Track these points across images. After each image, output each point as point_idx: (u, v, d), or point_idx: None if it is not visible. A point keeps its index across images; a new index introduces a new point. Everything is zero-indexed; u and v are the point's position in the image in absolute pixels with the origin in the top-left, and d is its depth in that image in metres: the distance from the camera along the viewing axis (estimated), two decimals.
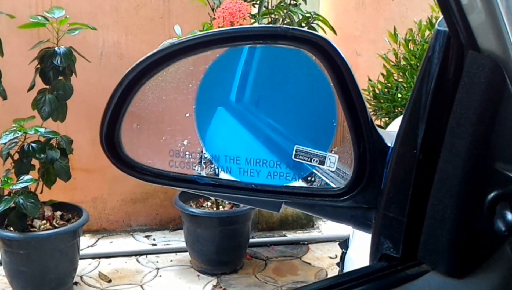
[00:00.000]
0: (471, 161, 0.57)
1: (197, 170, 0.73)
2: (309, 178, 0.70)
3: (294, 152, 0.69)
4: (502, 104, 0.55)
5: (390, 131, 0.71)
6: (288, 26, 0.67)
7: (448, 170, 0.58)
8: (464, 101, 0.56)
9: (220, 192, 0.75)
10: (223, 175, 0.73)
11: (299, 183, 0.71)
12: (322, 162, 0.68)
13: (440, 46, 0.58)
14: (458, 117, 0.57)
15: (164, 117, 0.74)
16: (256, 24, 2.80)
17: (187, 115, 0.72)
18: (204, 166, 0.73)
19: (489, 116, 0.56)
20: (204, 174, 0.73)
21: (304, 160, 0.69)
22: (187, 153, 0.73)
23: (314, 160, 0.69)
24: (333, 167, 0.69)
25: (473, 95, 0.55)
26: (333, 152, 0.68)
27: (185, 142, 0.73)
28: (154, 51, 0.69)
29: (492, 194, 0.56)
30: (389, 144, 0.67)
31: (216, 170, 0.73)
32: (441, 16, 0.58)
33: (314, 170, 0.70)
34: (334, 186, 0.70)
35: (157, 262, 3.28)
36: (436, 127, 0.59)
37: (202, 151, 0.73)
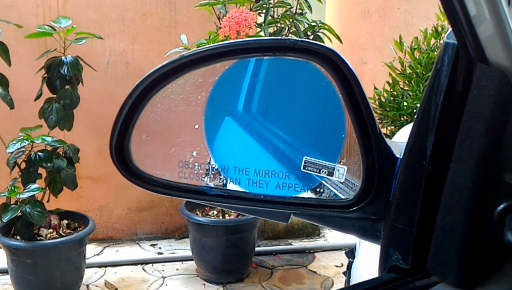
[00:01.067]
0: (480, 173, 0.57)
1: (206, 181, 0.73)
2: (317, 189, 0.70)
3: (303, 163, 0.69)
4: (511, 116, 0.55)
5: (399, 142, 0.71)
6: (297, 38, 0.67)
7: (457, 182, 0.58)
8: (473, 113, 0.56)
9: (228, 203, 0.75)
10: (232, 186, 0.73)
11: (308, 194, 0.71)
12: (331, 173, 0.68)
13: (449, 59, 0.59)
14: (467, 129, 0.57)
15: (173, 128, 0.75)
16: (262, 33, 2.81)
17: (196, 126, 0.72)
18: (213, 177, 0.73)
19: (498, 128, 0.56)
20: (213, 185, 0.74)
21: (313, 171, 0.69)
22: (196, 164, 0.73)
23: (323, 171, 0.69)
24: (342, 178, 0.69)
25: (482, 108, 0.56)
26: (341, 163, 0.68)
27: (194, 154, 0.73)
28: (164, 63, 0.69)
29: (501, 206, 0.57)
30: (397, 155, 0.67)
31: (225, 181, 0.73)
32: (450, 29, 0.58)
33: (323, 181, 0.70)
34: (342, 197, 0.70)
35: (163, 270, 3.28)
36: (445, 139, 0.59)
37: (210, 162, 0.73)
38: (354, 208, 0.69)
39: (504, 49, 0.54)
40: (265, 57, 0.70)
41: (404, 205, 0.64)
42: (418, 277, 0.62)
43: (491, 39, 0.54)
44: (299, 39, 0.67)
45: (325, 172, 0.69)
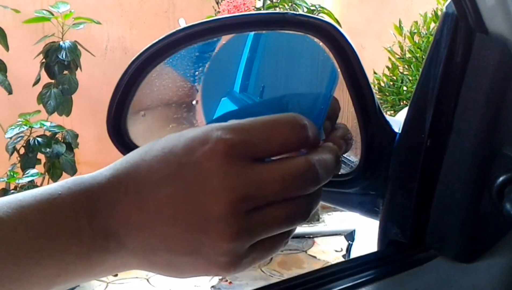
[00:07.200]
0: (479, 145, 0.57)
1: None
2: None
3: None
4: (510, 87, 0.55)
5: (397, 119, 0.71)
6: (294, 12, 0.66)
7: (456, 155, 0.58)
8: (473, 84, 0.56)
9: None
10: None
11: None
12: None
13: (448, 29, 0.58)
14: (466, 100, 0.56)
15: (171, 105, 0.74)
16: None
17: (194, 102, 0.71)
18: None
19: (497, 99, 0.55)
20: None
21: None
22: None
23: None
24: None
25: (481, 78, 0.55)
26: None
27: None
28: (160, 37, 0.68)
29: (500, 178, 0.56)
30: (396, 130, 0.67)
31: None
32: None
33: None
34: (342, 172, 0.69)
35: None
36: (444, 112, 0.59)
37: None
38: (353, 184, 0.68)
39: (504, 19, 0.53)
40: (262, 32, 0.69)
41: (402, 179, 0.64)
42: (416, 251, 0.62)
43: (491, 8, 0.53)
44: (297, 13, 0.66)
45: None
